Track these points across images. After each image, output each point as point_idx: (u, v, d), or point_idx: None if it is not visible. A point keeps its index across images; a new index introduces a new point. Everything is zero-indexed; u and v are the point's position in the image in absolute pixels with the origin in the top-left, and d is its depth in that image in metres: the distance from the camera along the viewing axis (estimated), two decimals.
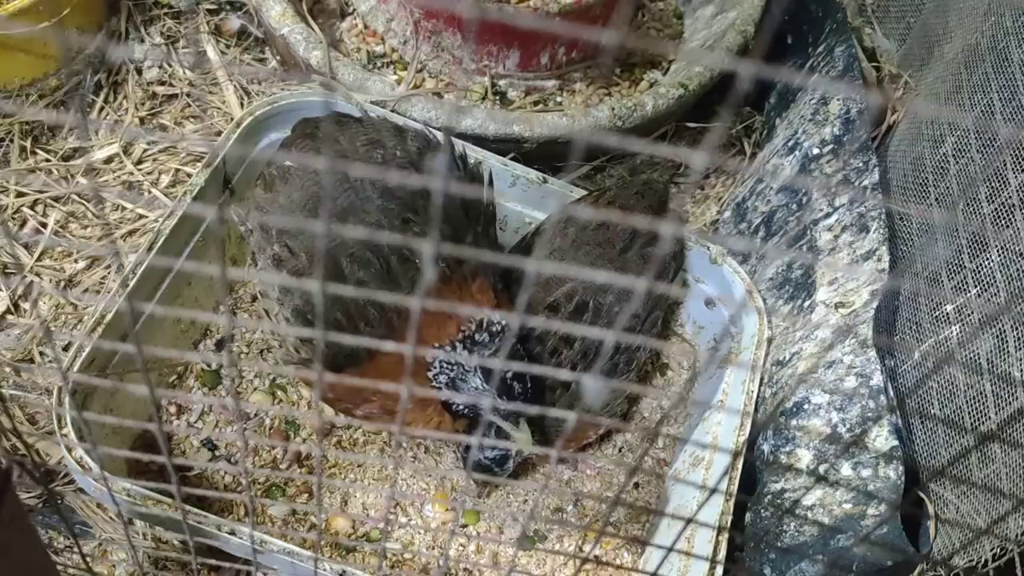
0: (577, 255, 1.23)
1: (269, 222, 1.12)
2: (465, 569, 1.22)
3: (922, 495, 1.02)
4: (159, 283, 1.18)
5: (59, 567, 0.88)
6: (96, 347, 1.06)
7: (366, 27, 1.60)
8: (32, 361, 1.23)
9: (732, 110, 1.34)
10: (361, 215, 1.09)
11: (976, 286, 1.02)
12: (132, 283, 1.11)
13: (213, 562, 0.90)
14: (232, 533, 0.99)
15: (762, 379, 1.22)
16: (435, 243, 0.41)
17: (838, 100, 1.30)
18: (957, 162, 1.13)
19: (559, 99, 1.58)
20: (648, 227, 1.03)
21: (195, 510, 1.00)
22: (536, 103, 1.56)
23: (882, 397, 1.05)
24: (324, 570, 0.99)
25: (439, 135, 1.24)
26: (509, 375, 1.03)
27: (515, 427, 1.05)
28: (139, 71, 1.50)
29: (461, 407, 1.06)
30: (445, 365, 1.04)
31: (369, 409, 1.12)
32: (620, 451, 1.33)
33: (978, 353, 1.00)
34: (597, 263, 1.21)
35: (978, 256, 1.03)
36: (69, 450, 0.99)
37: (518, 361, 1.06)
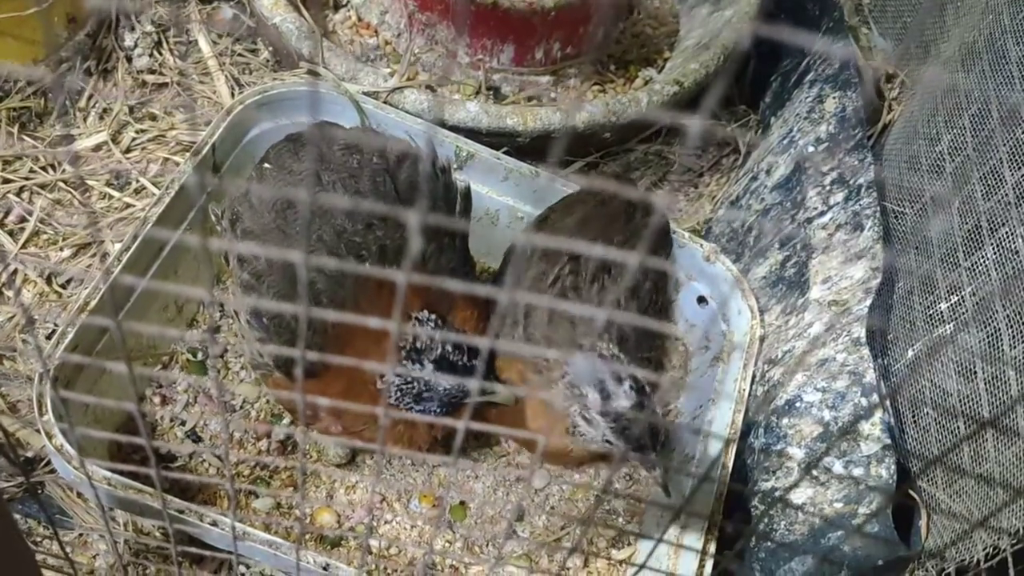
0: (589, 228, 1.22)
1: (240, 223, 1.11)
2: (452, 565, 1.21)
3: (913, 493, 1.01)
4: (145, 269, 1.16)
5: (38, 558, 0.86)
6: (79, 333, 1.05)
7: (360, 19, 1.59)
8: (14, 349, 1.21)
9: (729, 77, 1.33)
10: (328, 218, 1.07)
11: (971, 283, 1.02)
12: (118, 269, 1.09)
13: (195, 550, 0.88)
14: (214, 524, 0.97)
15: (754, 377, 1.21)
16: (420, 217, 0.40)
17: (834, 98, 1.29)
18: (953, 160, 1.12)
19: (553, 95, 1.57)
20: (641, 198, 1.02)
21: (176, 499, 0.98)
22: (530, 99, 1.55)
23: (875, 395, 1.04)
24: (307, 561, 0.97)
25: (421, 145, 1.22)
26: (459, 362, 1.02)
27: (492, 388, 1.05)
28: (129, 59, 1.49)
29: (423, 404, 1.06)
30: (402, 385, 1.05)
31: (325, 425, 1.14)
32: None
33: (972, 351, 0.99)
34: (608, 231, 1.21)
35: (973, 254, 1.02)
36: (49, 436, 0.97)
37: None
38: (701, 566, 1.04)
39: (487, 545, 1.23)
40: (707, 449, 1.20)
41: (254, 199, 1.11)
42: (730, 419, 1.17)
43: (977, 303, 1.00)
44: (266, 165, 1.18)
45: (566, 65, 1.57)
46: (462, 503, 1.25)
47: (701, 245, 1.32)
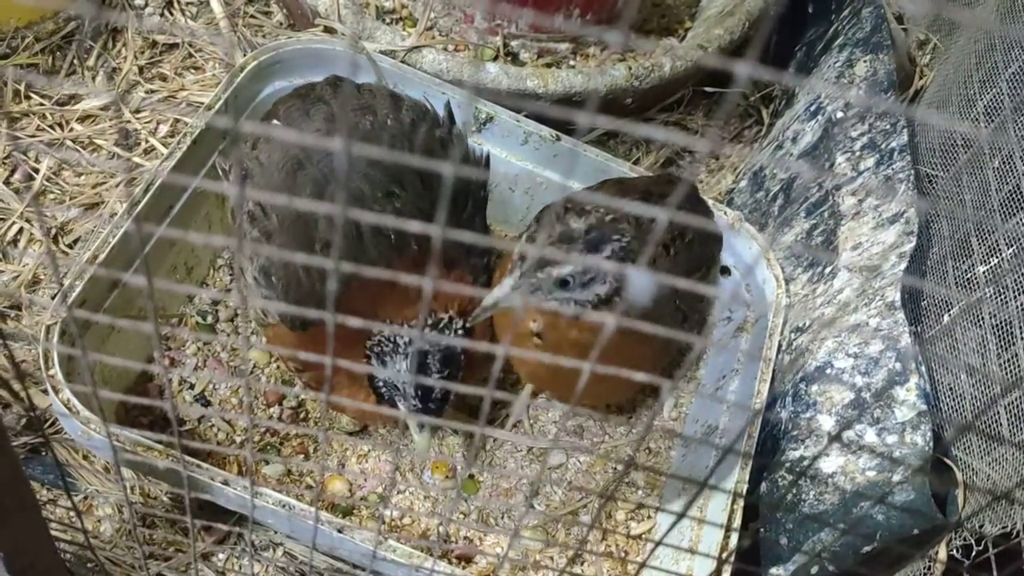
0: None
1: (248, 192, 1.07)
2: (466, 537, 1.17)
3: (949, 462, 0.97)
4: (158, 224, 1.13)
5: None
6: (87, 288, 1.01)
7: None
8: (18, 307, 1.18)
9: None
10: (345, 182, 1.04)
11: (1011, 246, 0.98)
12: (129, 220, 1.06)
13: (207, 497, 0.84)
14: (226, 483, 0.94)
15: (780, 346, 1.17)
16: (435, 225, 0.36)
17: (864, 62, 1.26)
18: (990, 123, 1.08)
19: (572, 63, 1.54)
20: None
21: (190, 458, 0.95)
22: (549, 66, 1.51)
23: (910, 361, 1.00)
24: (323, 524, 0.94)
25: (439, 107, 1.19)
26: (436, 376, 1.00)
27: (418, 431, 1.03)
28: (139, 18, 1.45)
29: (380, 384, 1.03)
30: (385, 340, 1.02)
31: (306, 378, 1.11)
32: (629, 417, 1.28)
33: (1010, 315, 0.96)
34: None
35: (1013, 216, 0.99)
36: (56, 391, 0.94)
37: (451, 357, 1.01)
38: (726, 541, 1.00)
39: (502, 517, 1.19)
40: (731, 423, 1.17)
41: (263, 157, 1.08)
42: (755, 389, 1.14)
43: (1016, 266, 0.97)
44: (275, 122, 1.14)
45: (587, 32, 1.53)
46: (472, 477, 1.22)
47: (725, 213, 1.28)
